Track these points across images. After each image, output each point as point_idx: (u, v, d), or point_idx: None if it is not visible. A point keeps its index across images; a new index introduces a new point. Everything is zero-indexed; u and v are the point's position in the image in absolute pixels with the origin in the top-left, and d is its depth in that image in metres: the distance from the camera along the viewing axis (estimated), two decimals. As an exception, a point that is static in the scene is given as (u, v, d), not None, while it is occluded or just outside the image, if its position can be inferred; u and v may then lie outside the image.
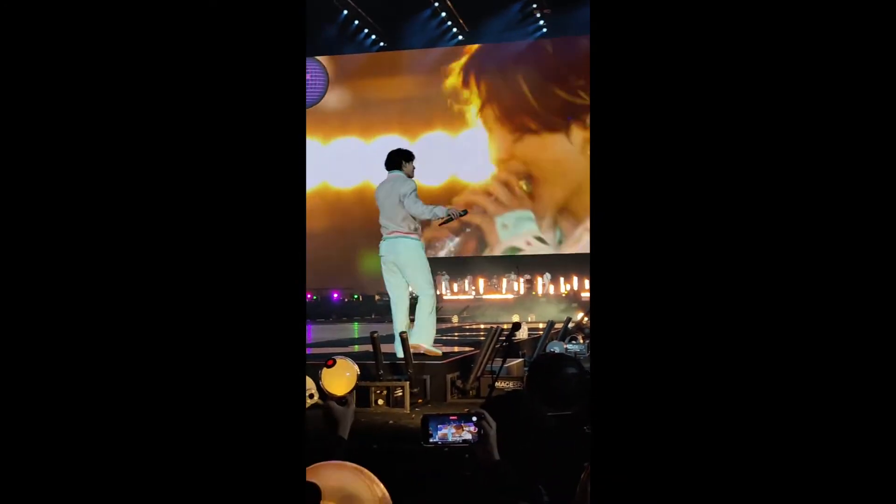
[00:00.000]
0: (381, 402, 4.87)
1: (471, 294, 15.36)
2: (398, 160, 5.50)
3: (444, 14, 15.22)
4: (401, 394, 4.82)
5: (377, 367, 5.03)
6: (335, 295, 15.60)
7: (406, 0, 14.74)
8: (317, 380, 4.82)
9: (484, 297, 15.17)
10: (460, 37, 15.63)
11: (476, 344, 7.07)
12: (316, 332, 10.89)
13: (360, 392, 4.91)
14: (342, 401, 2.26)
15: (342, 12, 15.22)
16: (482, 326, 11.53)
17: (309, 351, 7.19)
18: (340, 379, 3.40)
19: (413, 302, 5.72)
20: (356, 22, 15.50)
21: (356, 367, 3.46)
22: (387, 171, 5.54)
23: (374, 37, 15.88)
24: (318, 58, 15.60)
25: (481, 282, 15.34)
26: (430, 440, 1.97)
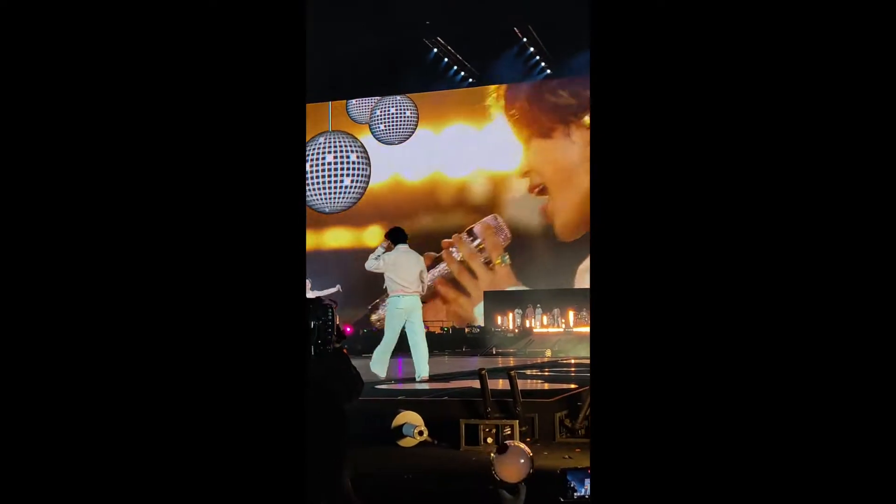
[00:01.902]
0: (489, 440, 4.92)
1: (560, 327, 15.26)
2: (404, 236, 7.60)
3: (532, 49, 15.37)
4: (510, 432, 4.86)
5: (485, 404, 5.09)
6: (425, 329, 15.73)
7: (494, 37, 14.94)
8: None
9: (574, 329, 15.03)
10: (549, 71, 15.74)
11: (572, 380, 7.05)
12: (408, 366, 11.00)
13: (469, 430, 4.98)
14: (513, 489, 2.21)
15: (432, 51, 15.54)
16: (573, 360, 11.43)
17: (401, 385, 7.30)
18: (513, 466, 3.38)
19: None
20: (445, 60, 15.79)
21: (530, 453, 3.43)
22: (390, 241, 7.55)
23: (462, 73, 16.14)
24: (409, 95, 15.87)
25: (571, 314, 15.23)
26: (577, 494, 1.98)
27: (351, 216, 15.30)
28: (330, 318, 2.48)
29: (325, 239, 15.54)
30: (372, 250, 7.97)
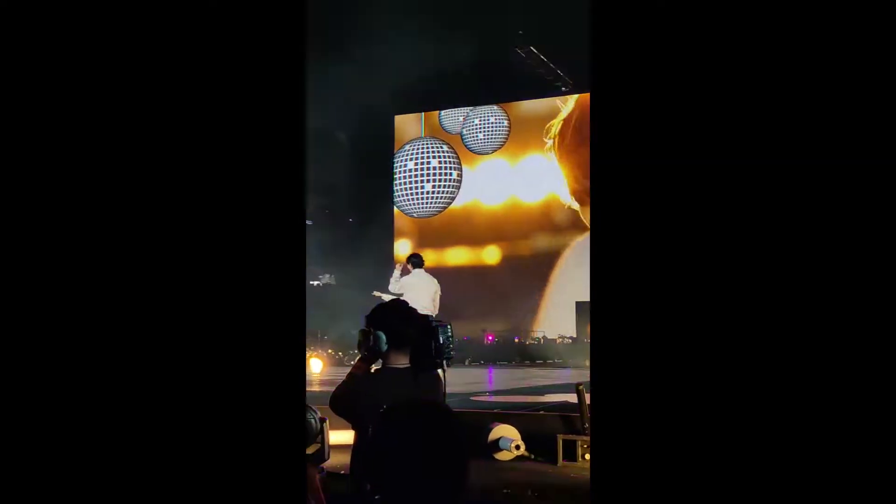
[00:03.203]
0: (587, 456, 4.86)
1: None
2: (421, 261, 8.54)
3: (625, 56, 15.17)
4: (608, 449, 4.79)
5: (582, 420, 5.03)
6: (516, 339, 15.68)
7: (586, 45, 14.79)
8: (524, 436, 4.86)
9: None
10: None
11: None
12: (500, 377, 10.97)
13: (567, 445, 4.93)
14: None
15: (522, 59, 15.51)
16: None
17: (491, 398, 7.28)
18: None
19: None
20: (539, 70, 15.74)
21: None
22: (411, 265, 8.50)
23: (558, 83, 16.05)
24: (500, 105, 15.85)
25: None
26: None
27: (470, 236, 15.45)
28: (450, 334, 2.61)
29: (446, 258, 15.74)
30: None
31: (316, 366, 11.88)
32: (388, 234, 15.96)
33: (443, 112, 15.91)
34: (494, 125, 14.89)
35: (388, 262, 14.99)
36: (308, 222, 16.58)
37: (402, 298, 2.97)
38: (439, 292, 8.50)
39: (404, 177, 14.34)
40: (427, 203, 14.01)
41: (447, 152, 13.90)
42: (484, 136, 14.89)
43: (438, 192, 13.98)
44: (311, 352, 13.36)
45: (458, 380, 8.43)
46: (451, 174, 13.94)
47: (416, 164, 13.95)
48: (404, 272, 8.62)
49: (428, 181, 13.94)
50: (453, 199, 14.17)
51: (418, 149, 13.98)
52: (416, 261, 8.62)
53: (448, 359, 2.66)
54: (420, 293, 8.29)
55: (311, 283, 16.11)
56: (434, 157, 13.89)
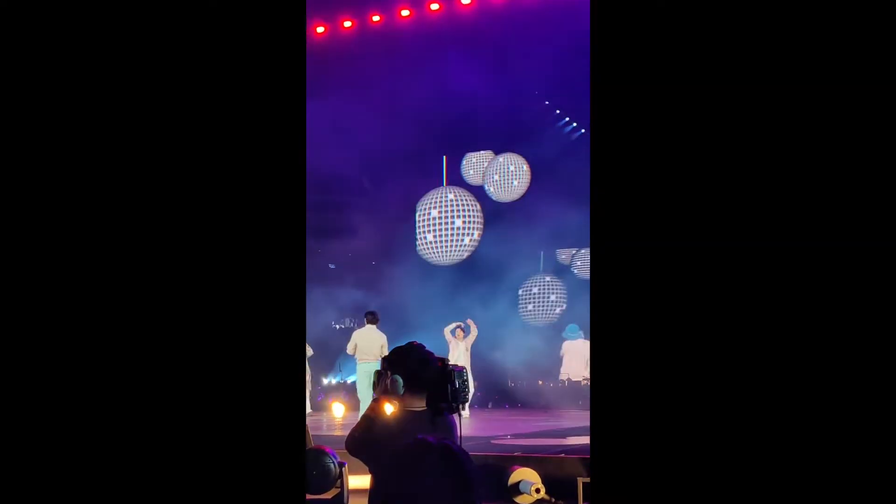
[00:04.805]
0: (609, 499, 4.82)
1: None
2: (374, 318, 10.39)
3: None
4: (630, 492, 4.75)
5: (604, 462, 5.00)
6: (539, 381, 15.55)
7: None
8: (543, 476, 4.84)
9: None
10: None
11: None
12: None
13: (587, 488, 4.88)
14: None
15: (544, 102, 15.64)
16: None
17: (515, 440, 7.20)
18: None
19: None
20: (557, 111, 15.87)
21: None
22: (367, 321, 10.42)
23: (574, 124, 16.15)
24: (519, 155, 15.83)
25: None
26: None
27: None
28: (465, 378, 2.67)
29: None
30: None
31: (338, 410, 11.86)
32: (411, 277, 15.96)
33: (465, 158, 15.91)
34: (525, 171, 14.83)
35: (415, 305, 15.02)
36: (330, 266, 16.66)
37: (418, 342, 3.00)
38: (385, 345, 9.96)
39: (416, 228, 14.48)
40: (436, 251, 14.01)
41: (451, 201, 13.85)
42: (519, 182, 14.78)
43: (442, 242, 13.96)
44: (333, 397, 13.35)
45: (477, 423, 8.37)
46: (453, 223, 13.89)
47: (420, 215, 14.05)
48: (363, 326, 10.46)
49: (430, 231, 13.97)
50: (466, 246, 14.05)
51: (427, 201, 14.02)
52: (371, 318, 10.47)
53: (464, 402, 2.71)
54: (368, 343, 10.18)
55: (334, 326, 16.15)
56: (434, 208, 13.91)
